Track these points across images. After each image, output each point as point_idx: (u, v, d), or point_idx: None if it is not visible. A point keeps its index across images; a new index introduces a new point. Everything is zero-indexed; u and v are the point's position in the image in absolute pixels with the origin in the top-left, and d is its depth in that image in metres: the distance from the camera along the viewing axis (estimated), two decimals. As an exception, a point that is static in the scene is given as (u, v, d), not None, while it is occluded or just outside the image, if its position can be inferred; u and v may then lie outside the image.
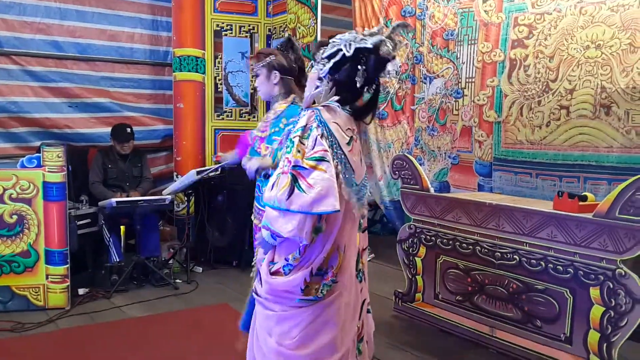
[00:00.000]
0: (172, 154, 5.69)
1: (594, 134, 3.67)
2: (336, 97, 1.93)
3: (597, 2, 3.62)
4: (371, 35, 1.88)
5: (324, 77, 1.93)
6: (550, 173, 3.91)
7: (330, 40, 1.94)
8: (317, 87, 1.96)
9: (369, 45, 1.85)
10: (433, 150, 4.85)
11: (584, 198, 2.84)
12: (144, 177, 4.89)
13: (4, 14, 4.92)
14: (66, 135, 5.20)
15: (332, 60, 1.89)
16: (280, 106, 2.61)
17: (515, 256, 3.01)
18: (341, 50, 1.87)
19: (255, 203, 2.69)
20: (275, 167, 2.37)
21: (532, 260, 2.92)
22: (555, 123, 3.89)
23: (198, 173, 4.41)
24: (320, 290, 1.89)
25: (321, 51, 1.96)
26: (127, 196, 4.59)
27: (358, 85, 1.87)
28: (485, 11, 4.35)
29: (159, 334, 3.42)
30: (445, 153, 4.75)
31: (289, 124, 2.46)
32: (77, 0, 5.27)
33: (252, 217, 2.73)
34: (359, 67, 1.86)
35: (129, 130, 4.75)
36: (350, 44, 1.86)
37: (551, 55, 3.89)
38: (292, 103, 2.61)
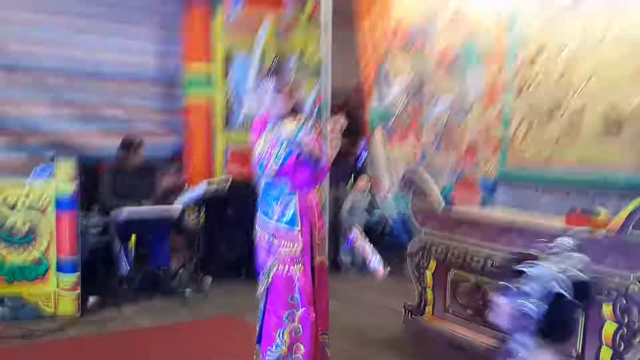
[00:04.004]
0: (182, 169, 5.71)
1: (603, 153, 3.68)
2: None
3: (608, 21, 3.66)
4: None
5: None
6: (556, 192, 3.92)
7: None
8: None
9: None
10: (438, 167, 4.88)
11: (597, 214, 2.85)
12: (155, 190, 4.90)
13: (18, 30, 4.97)
14: (78, 149, 5.22)
15: None
16: (290, 125, 2.65)
17: (526, 271, 3.00)
18: None
19: (263, 215, 2.70)
20: None
21: (544, 276, 2.92)
22: (564, 141, 3.91)
23: (209, 184, 4.46)
24: None
25: None
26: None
27: None
28: (493, 30, 4.40)
29: (168, 343, 3.43)
30: (450, 170, 4.78)
31: None
32: (90, 18, 5.32)
33: (256, 228, 2.76)
34: None
35: (137, 140, 4.80)
36: None
37: (561, 74, 3.93)
38: (302, 123, 2.66)
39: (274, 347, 2.60)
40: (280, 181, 2.63)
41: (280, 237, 2.63)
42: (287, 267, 2.60)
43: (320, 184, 2.77)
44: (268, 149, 2.66)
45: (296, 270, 2.59)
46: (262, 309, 2.71)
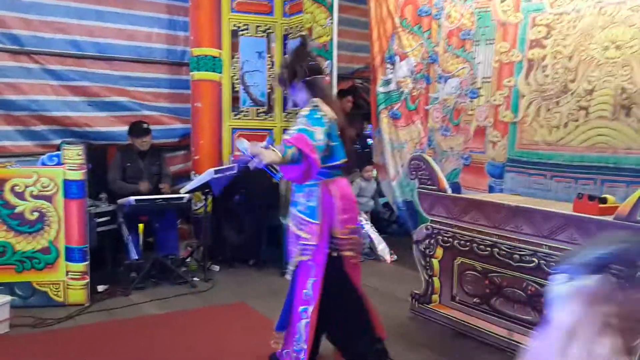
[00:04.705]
0: (189, 152, 5.73)
1: (612, 136, 3.64)
2: None
3: (617, 3, 3.58)
4: None
5: None
6: (566, 175, 3.88)
7: None
8: None
9: None
10: (445, 151, 4.83)
11: (604, 200, 2.82)
12: (163, 174, 4.94)
13: (25, 14, 4.98)
14: (85, 134, 5.26)
15: None
16: (302, 110, 2.61)
17: (534, 258, 2.99)
18: None
19: (291, 207, 2.69)
20: (285, 162, 2.36)
21: (552, 263, 2.90)
22: (574, 124, 3.86)
23: (216, 172, 4.46)
24: None
25: None
26: (155, 188, 4.69)
27: None
28: (503, 11, 4.33)
29: (176, 331, 3.46)
30: (457, 153, 4.73)
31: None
32: (96, 0, 5.31)
33: (288, 222, 2.76)
34: None
35: (145, 125, 4.81)
36: None
37: (570, 56, 3.86)
38: (312, 108, 2.58)
39: (297, 339, 2.62)
40: None
41: (301, 229, 2.60)
42: (304, 260, 2.59)
43: (347, 172, 2.73)
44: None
45: (310, 264, 2.58)
46: (288, 299, 2.71)
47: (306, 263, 2.59)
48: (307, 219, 2.58)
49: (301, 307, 2.60)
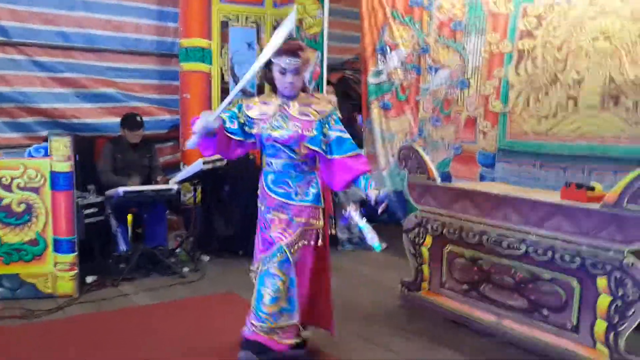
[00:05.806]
0: (178, 144, 5.70)
1: (601, 125, 3.66)
2: None
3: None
4: None
5: None
6: (555, 164, 3.91)
7: None
8: None
9: None
10: (436, 141, 4.85)
11: (592, 188, 2.84)
12: (154, 167, 4.90)
13: (13, 5, 4.92)
14: (73, 125, 5.21)
15: None
16: (326, 106, 2.69)
17: (522, 246, 3.00)
18: None
19: (280, 198, 2.71)
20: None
21: (539, 250, 2.92)
22: (562, 114, 3.89)
23: (205, 163, 4.44)
24: None
25: None
26: (147, 180, 4.68)
27: None
28: (493, 2, 4.34)
29: (166, 321, 3.45)
30: (448, 143, 4.75)
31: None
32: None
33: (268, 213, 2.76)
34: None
35: (139, 118, 4.78)
36: None
37: (560, 46, 3.88)
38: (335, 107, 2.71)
39: None
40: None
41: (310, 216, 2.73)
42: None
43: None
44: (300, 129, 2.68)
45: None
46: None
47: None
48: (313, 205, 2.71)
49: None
